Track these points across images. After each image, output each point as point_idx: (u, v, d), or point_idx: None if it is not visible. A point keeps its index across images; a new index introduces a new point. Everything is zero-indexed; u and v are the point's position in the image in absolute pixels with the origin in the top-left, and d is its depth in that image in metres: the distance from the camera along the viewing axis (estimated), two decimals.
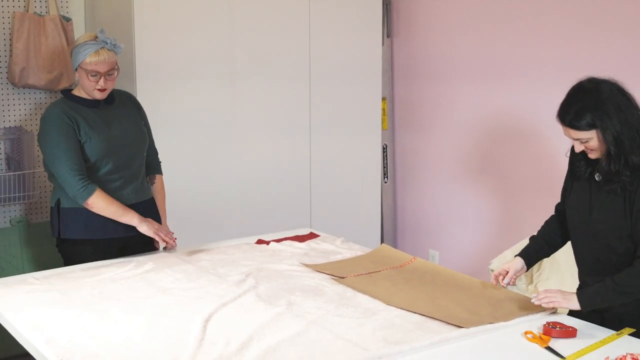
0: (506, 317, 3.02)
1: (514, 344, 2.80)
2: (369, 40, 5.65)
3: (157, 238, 3.82)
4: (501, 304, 3.18)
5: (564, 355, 2.67)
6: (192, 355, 2.63)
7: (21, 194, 4.63)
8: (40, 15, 4.60)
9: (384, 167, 6.05)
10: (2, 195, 4.57)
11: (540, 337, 2.80)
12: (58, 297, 3.26)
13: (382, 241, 5.99)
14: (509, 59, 5.12)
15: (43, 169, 4.64)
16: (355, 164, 5.69)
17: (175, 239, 3.90)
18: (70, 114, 3.75)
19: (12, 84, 4.58)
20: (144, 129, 4.06)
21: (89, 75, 3.71)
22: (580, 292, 3.02)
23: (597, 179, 3.04)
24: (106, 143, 3.80)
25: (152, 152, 4.17)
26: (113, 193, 3.83)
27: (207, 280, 3.49)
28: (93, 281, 3.46)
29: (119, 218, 3.79)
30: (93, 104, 3.84)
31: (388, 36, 5.98)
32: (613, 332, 2.88)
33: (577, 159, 3.13)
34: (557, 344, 2.76)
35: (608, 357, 2.59)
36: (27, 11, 4.57)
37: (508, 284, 3.26)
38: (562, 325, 2.86)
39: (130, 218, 3.80)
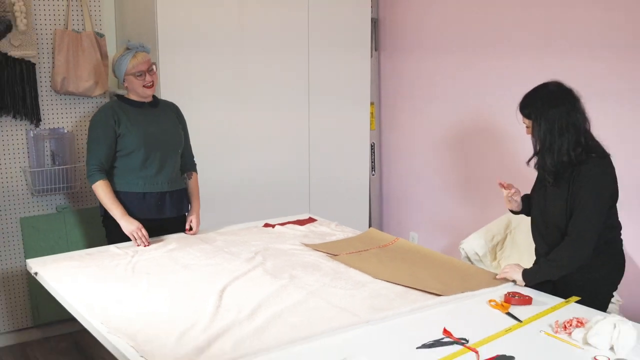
0: (473, 288, 3.06)
1: (480, 310, 2.85)
2: (360, 53, 5.63)
3: (131, 237, 3.77)
4: (469, 277, 3.23)
5: (521, 320, 2.71)
6: (210, 320, 2.68)
7: (65, 185, 4.64)
8: (77, 32, 4.60)
9: (372, 162, 6.05)
10: (49, 186, 4.59)
11: (502, 305, 2.86)
12: (97, 271, 3.30)
13: (370, 225, 5.99)
14: (479, 73, 5.13)
15: (83, 164, 4.69)
16: (347, 160, 5.69)
17: (149, 244, 3.78)
18: (116, 111, 3.90)
19: (55, 90, 4.58)
20: (181, 132, 4.11)
21: (136, 77, 3.87)
22: (524, 270, 3.10)
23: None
24: (143, 137, 3.89)
25: (188, 154, 4.22)
26: (149, 179, 3.92)
27: (222, 257, 3.52)
28: (127, 258, 3.51)
29: (108, 208, 3.85)
30: (139, 104, 3.97)
31: (376, 50, 5.96)
32: (562, 300, 2.93)
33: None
34: (516, 310, 2.82)
35: (557, 321, 2.63)
36: (67, 29, 4.56)
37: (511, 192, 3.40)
38: (520, 295, 2.91)
39: (115, 212, 3.81)
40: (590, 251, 3.03)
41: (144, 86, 3.91)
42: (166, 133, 4.01)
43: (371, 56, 5.80)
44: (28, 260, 3.50)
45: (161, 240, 3.85)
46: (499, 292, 3.03)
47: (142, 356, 2.39)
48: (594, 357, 2.36)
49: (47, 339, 4.81)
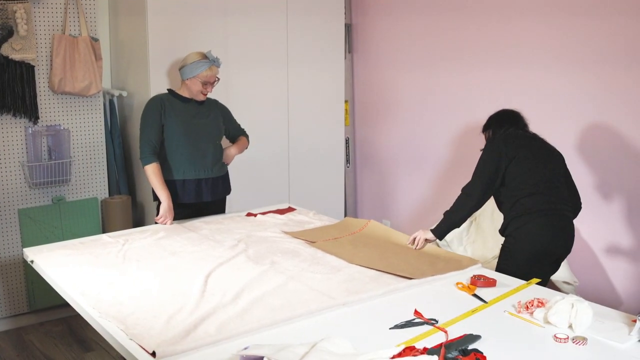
0: (442, 271, 3.02)
1: (448, 292, 2.81)
2: (335, 55, 5.64)
3: (160, 218, 3.91)
4: (437, 261, 3.19)
5: (487, 300, 2.68)
6: (196, 303, 2.62)
7: (60, 178, 4.59)
8: (74, 36, 4.55)
9: (347, 155, 6.04)
10: (46, 179, 4.54)
11: (468, 287, 2.82)
12: (90, 259, 3.24)
13: (345, 214, 6.00)
14: (439, 71, 5.14)
15: (77, 158, 4.64)
16: (323, 153, 5.68)
17: (171, 223, 3.92)
18: (164, 102, 4.02)
19: (52, 90, 4.54)
20: (221, 125, 4.21)
21: (202, 84, 3.99)
22: (432, 230, 3.44)
23: None
24: (183, 128, 3.98)
25: (236, 131, 4.37)
26: (189, 167, 4.02)
27: (207, 245, 3.47)
28: (118, 246, 3.45)
29: (155, 190, 3.94)
30: (186, 100, 4.08)
31: (349, 52, 5.97)
32: (523, 282, 2.91)
33: None
34: (481, 292, 2.78)
35: (520, 301, 2.60)
36: (64, 33, 4.52)
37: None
38: (485, 277, 2.88)
39: (161, 196, 3.91)
40: (474, 201, 3.38)
41: (202, 92, 4.03)
42: (206, 125, 4.09)
43: (345, 58, 5.82)
44: (25, 249, 3.44)
45: (149, 231, 3.79)
46: (465, 274, 3.01)
47: (131, 339, 2.33)
48: (554, 335, 2.34)
49: (43, 324, 4.76)
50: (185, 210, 4.06)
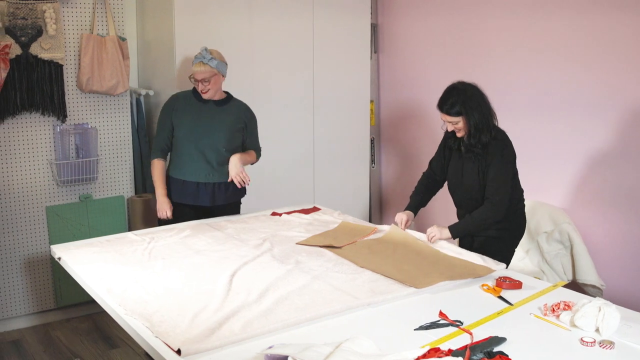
0: (452, 278, 2.92)
1: (474, 294, 2.80)
2: (361, 55, 5.63)
3: (158, 213, 4.01)
4: (451, 270, 3.04)
5: (512, 303, 2.67)
6: (221, 302, 2.63)
7: (87, 176, 4.63)
8: (102, 36, 4.58)
9: (372, 155, 6.03)
10: (73, 177, 4.58)
11: (494, 289, 2.81)
12: (116, 256, 3.26)
13: (370, 214, 5.98)
14: (465, 70, 5.12)
15: (104, 157, 4.67)
16: (349, 153, 5.67)
17: (171, 216, 3.99)
18: (178, 101, 4.06)
19: (80, 89, 4.57)
20: (233, 134, 4.05)
21: (193, 80, 3.98)
22: (451, 226, 3.44)
23: (462, 151, 3.52)
24: (188, 129, 3.98)
25: (251, 144, 4.18)
26: (189, 168, 4.00)
27: (232, 244, 3.48)
28: (144, 244, 3.46)
29: (154, 185, 4.04)
30: (205, 100, 4.05)
31: (375, 52, 5.96)
32: (550, 284, 2.89)
33: (449, 136, 3.62)
34: (507, 294, 2.77)
35: (546, 304, 2.59)
36: (92, 33, 4.55)
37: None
38: (510, 279, 2.86)
39: (156, 191, 4.01)
40: (505, 211, 3.41)
41: (201, 90, 4.00)
42: (212, 130, 4.00)
43: (371, 58, 5.81)
44: (52, 246, 3.47)
45: (174, 229, 3.80)
46: (490, 276, 2.98)
47: (156, 336, 2.35)
48: (581, 338, 2.33)
49: (69, 320, 4.81)
50: (189, 211, 4.04)
